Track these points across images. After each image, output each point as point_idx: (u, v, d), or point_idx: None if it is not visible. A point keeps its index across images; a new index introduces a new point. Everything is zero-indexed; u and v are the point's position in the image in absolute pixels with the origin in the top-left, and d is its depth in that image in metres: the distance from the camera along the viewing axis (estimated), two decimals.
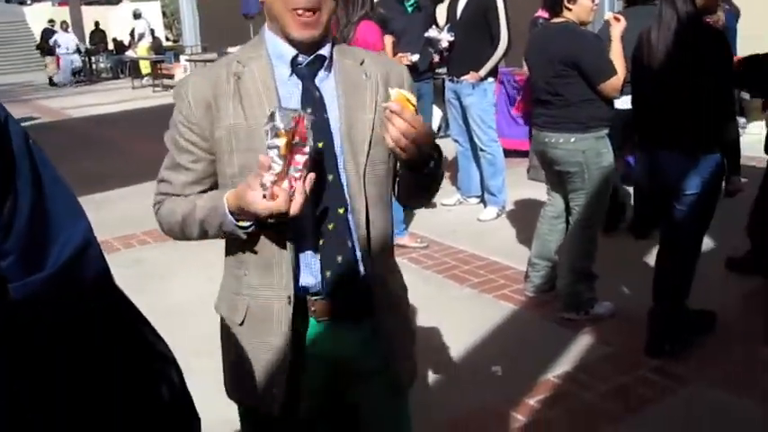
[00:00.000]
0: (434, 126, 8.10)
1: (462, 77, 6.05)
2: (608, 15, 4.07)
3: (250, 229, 1.67)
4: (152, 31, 21.29)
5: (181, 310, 4.55)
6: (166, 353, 1.06)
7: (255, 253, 1.75)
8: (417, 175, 1.73)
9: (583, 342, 3.95)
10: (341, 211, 1.73)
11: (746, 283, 4.57)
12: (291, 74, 1.72)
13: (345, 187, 1.72)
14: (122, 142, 11.03)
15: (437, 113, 8.30)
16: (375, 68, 1.79)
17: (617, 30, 3.96)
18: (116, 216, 6.87)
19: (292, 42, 1.69)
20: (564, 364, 3.73)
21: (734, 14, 7.19)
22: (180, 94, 1.75)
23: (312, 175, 1.57)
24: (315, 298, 1.76)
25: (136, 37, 21.08)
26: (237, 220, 1.67)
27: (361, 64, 1.79)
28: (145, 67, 19.98)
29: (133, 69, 20.39)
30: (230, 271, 1.87)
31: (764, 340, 3.86)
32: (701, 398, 3.41)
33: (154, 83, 18.59)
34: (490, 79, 6.08)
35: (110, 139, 11.42)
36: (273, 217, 1.57)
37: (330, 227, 1.72)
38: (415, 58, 5.94)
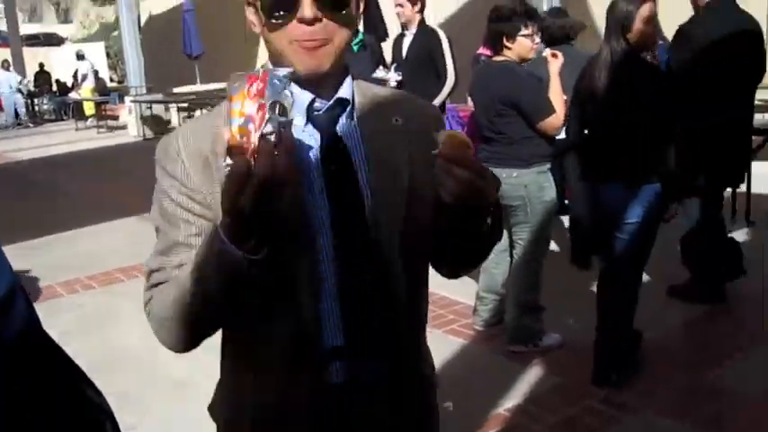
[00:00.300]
0: None
1: None
2: (546, 52, 4.19)
3: (260, 254, 1.19)
4: (95, 73, 21.09)
5: (130, 356, 4.47)
6: (101, 403, 1.04)
7: (266, 344, 1.40)
8: (474, 234, 1.39)
9: (532, 374, 3.99)
10: (374, 285, 1.40)
11: (688, 311, 4.67)
12: (307, 123, 1.38)
13: (380, 257, 1.40)
14: (66, 185, 10.86)
15: None
16: (404, 110, 1.49)
17: (555, 66, 4.06)
18: (59, 261, 6.75)
19: (302, 83, 1.35)
20: (514, 398, 3.75)
21: (666, 48, 7.42)
22: (169, 154, 1.37)
23: (288, 136, 1.13)
24: (338, 390, 1.43)
25: (79, 78, 20.87)
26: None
27: (388, 105, 1.48)
28: (89, 108, 19.77)
29: (76, 111, 20.15)
30: (230, 375, 1.53)
31: (707, 366, 3.96)
32: (646, 425, 3.47)
33: (98, 124, 18.40)
34: None
35: (53, 182, 11.23)
36: (240, 183, 1.10)
37: (360, 307, 1.40)
38: None
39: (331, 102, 1.39)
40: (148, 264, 1.40)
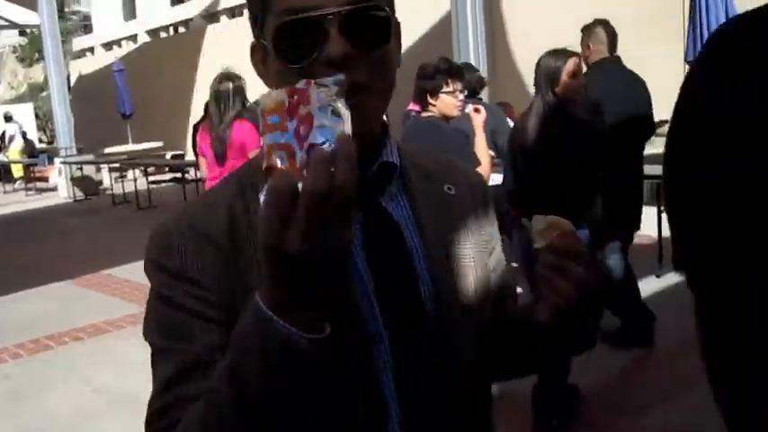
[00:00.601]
0: None
1: None
2: (469, 108, 4.30)
3: (323, 333, 0.82)
4: (24, 134, 20.74)
5: (57, 426, 4.33)
6: None
7: None
8: (566, 343, 1.14)
9: None
10: (444, 410, 1.07)
11: (621, 357, 4.76)
12: None
13: (449, 373, 1.07)
14: None
15: None
16: (454, 177, 1.20)
17: (478, 120, 4.18)
18: None
19: None
20: None
21: None
22: (168, 246, 1.01)
23: (345, 137, 0.79)
24: None
25: (6, 140, 20.48)
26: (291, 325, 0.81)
27: (437, 171, 1.18)
28: (17, 170, 19.39)
29: (4, 173, 19.73)
30: None
31: (643, 411, 4.02)
32: None
33: (27, 186, 18.04)
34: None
35: None
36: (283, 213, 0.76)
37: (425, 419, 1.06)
38: None
39: (374, 168, 1.07)
40: (156, 401, 0.99)
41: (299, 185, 0.75)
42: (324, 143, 0.78)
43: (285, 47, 0.96)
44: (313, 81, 0.82)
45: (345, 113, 0.81)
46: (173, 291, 0.99)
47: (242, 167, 1.13)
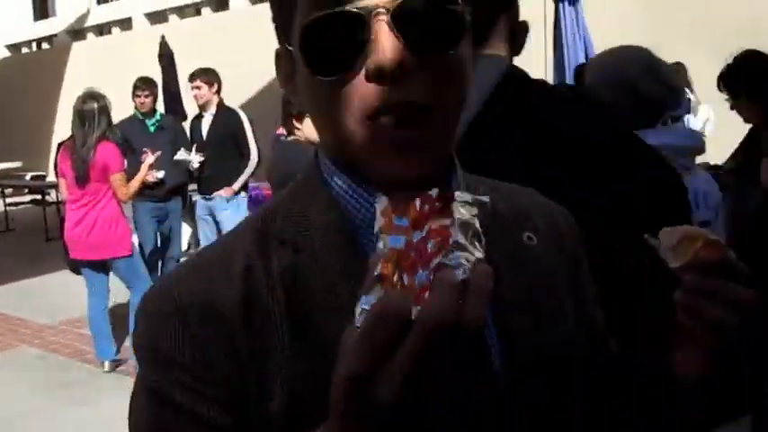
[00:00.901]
0: (184, 245, 8.07)
1: (216, 193, 6.19)
2: None
3: None
4: None
5: None
6: None
7: None
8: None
9: None
10: None
11: None
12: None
13: None
14: None
15: (186, 231, 8.27)
16: (538, 220, 0.91)
17: None
18: None
19: (382, 184, 0.73)
20: None
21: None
22: (162, 322, 0.75)
23: (487, 270, 0.59)
24: None
25: None
26: None
27: (514, 213, 0.90)
28: None
29: None
30: None
31: None
32: None
33: None
34: (243, 193, 6.30)
35: None
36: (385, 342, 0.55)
37: None
38: (161, 174, 5.97)
39: None
40: None
41: (414, 309, 0.57)
42: (457, 267, 0.60)
43: (316, 53, 0.71)
44: (450, 194, 0.65)
45: (482, 237, 0.64)
46: (170, 386, 0.74)
47: (263, 210, 0.86)
